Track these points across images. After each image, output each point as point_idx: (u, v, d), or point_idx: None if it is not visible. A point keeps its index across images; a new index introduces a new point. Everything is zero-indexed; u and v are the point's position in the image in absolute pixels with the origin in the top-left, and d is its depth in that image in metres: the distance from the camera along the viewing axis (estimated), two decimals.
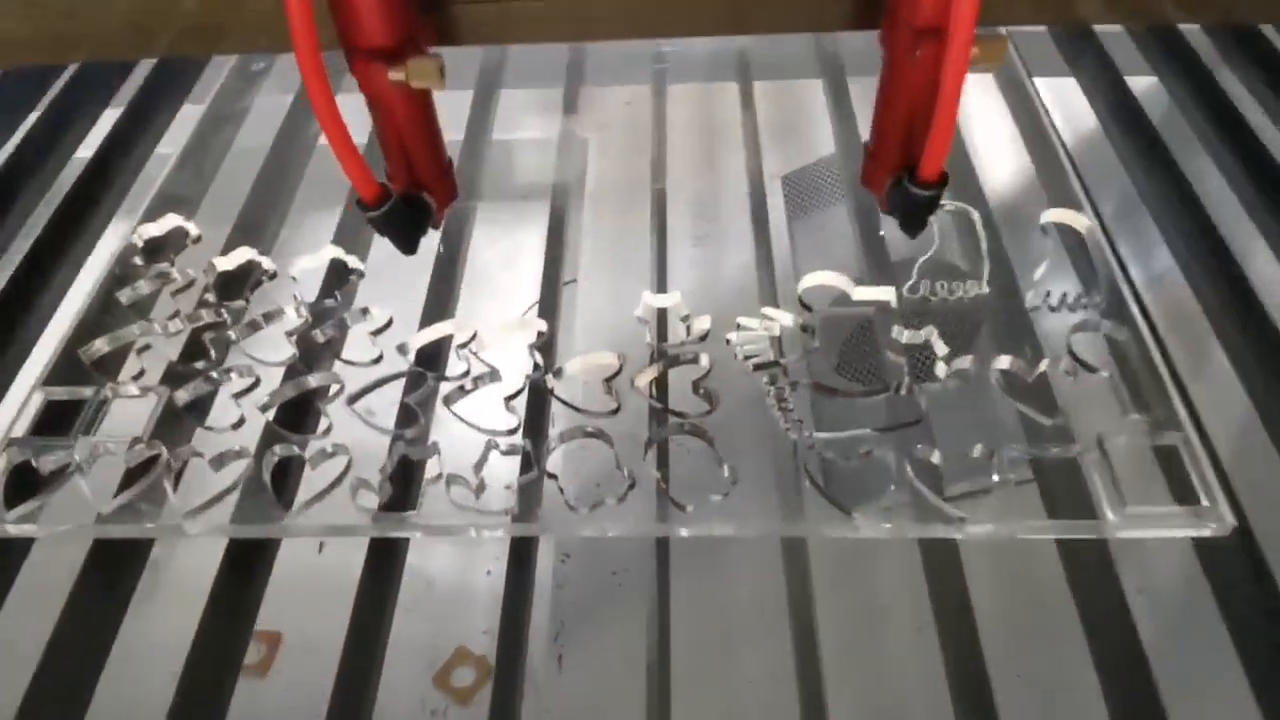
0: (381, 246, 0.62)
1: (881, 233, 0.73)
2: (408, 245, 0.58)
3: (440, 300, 0.70)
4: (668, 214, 0.76)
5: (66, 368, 0.64)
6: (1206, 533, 0.53)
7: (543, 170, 0.83)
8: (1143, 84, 0.88)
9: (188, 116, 0.88)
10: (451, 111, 0.85)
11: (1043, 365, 0.60)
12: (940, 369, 0.60)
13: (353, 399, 0.60)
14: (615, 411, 0.59)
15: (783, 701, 0.55)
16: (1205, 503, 0.53)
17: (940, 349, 0.61)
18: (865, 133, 0.61)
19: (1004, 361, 0.60)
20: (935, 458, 0.56)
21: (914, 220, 0.58)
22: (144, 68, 0.92)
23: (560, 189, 0.80)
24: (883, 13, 0.53)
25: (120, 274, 0.69)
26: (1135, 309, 0.63)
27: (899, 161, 0.57)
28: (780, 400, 0.59)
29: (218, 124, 0.85)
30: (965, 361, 0.60)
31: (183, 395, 0.61)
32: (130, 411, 0.62)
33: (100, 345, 0.65)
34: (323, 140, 0.49)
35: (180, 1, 0.56)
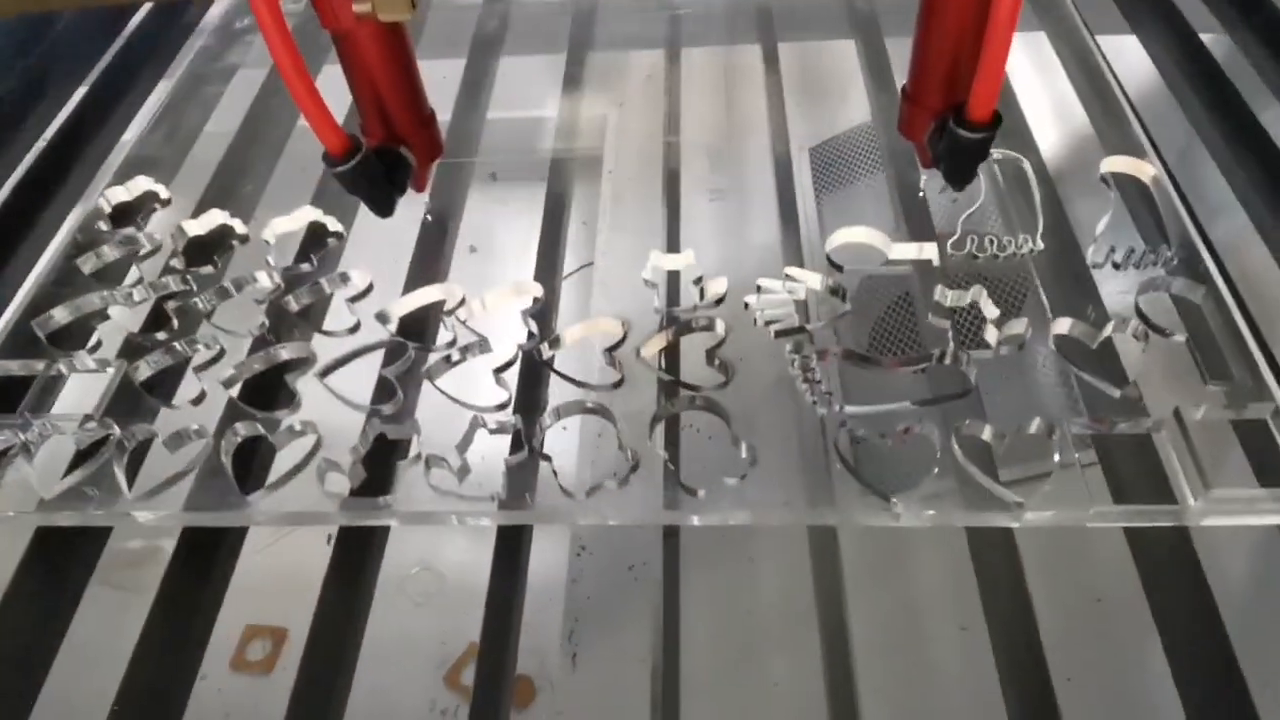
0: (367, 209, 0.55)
1: (921, 191, 0.65)
2: (382, 206, 0.51)
3: (428, 269, 0.63)
4: (681, 169, 0.69)
5: (22, 340, 0.58)
6: None
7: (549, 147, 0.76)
8: (1208, 39, 0.79)
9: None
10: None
11: (1108, 329, 0.52)
12: (991, 334, 0.53)
13: (325, 372, 0.54)
14: (618, 384, 0.53)
15: (811, 710, 0.48)
16: None
17: (990, 311, 0.53)
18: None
19: (1063, 325, 0.53)
20: (986, 434, 0.49)
21: (961, 170, 0.51)
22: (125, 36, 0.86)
23: (561, 165, 0.73)
24: None
25: (83, 240, 0.64)
26: (1212, 265, 0.55)
27: (943, 103, 0.49)
28: (806, 371, 0.52)
29: (197, 84, 0.79)
30: (1019, 326, 0.52)
31: (142, 369, 0.55)
32: (88, 387, 0.56)
33: (58, 315, 0.59)
34: None
35: None
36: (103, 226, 0.64)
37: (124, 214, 0.66)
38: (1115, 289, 0.56)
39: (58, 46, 0.84)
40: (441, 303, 0.58)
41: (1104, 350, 0.52)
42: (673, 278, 0.59)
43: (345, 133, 0.45)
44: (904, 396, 0.52)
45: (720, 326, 0.55)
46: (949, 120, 0.47)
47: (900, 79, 0.53)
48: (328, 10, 0.44)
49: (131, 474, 0.51)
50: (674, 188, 0.68)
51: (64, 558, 0.51)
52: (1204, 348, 0.52)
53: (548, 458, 0.49)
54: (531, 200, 0.74)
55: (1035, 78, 0.83)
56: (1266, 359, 0.51)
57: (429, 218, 0.65)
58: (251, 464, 0.52)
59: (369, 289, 0.59)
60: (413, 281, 0.61)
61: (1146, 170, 0.61)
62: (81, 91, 0.81)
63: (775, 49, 0.83)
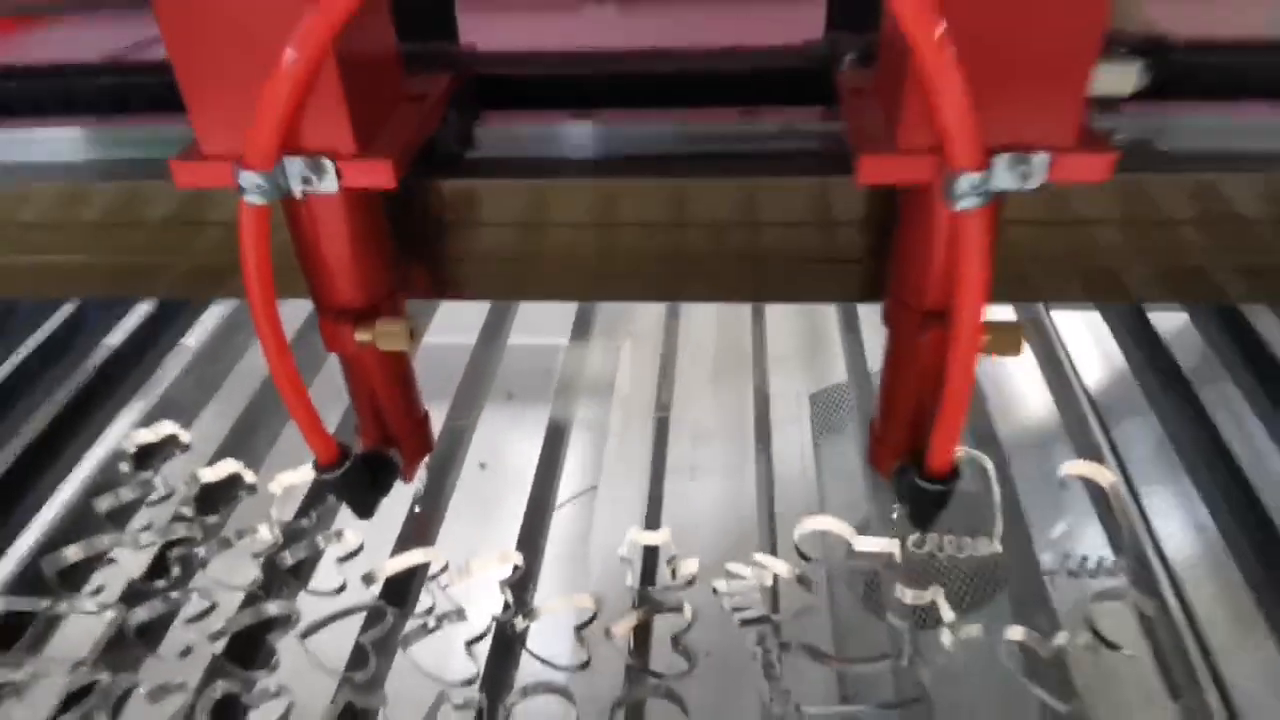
0: None
1: (894, 514, 0.66)
2: (364, 510, 0.52)
3: (421, 528, 0.67)
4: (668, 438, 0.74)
5: (33, 575, 0.61)
6: None
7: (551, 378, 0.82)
8: (1173, 321, 0.85)
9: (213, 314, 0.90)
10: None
11: (1059, 639, 0.54)
12: (946, 637, 0.55)
13: (306, 633, 0.56)
14: (584, 665, 0.55)
15: None
16: None
17: (947, 614, 0.55)
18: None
19: (1016, 632, 0.55)
20: None
21: (923, 514, 0.50)
22: None
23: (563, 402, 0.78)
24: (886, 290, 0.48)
25: (103, 481, 0.68)
26: (1164, 577, 0.57)
27: (906, 445, 0.50)
28: (768, 667, 0.54)
29: (231, 332, 0.86)
30: (974, 630, 0.54)
31: (138, 614, 0.58)
32: (85, 627, 0.59)
33: (68, 554, 0.63)
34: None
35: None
36: (124, 468, 0.69)
37: (146, 455, 0.71)
38: (1071, 594, 0.58)
39: None
40: (426, 565, 0.61)
41: (1055, 659, 0.54)
42: (649, 553, 0.62)
43: (335, 442, 0.48)
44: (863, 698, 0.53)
45: (688, 610, 0.57)
46: (910, 465, 0.48)
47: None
48: (333, 336, 0.46)
49: None
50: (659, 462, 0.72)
51: None
52: (1158, 663, 0.54)
53: None
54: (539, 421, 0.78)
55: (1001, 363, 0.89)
56: (1214, 681, 0.52)
57: (416, 509, 0.68)
58: None
59: (360, 549, 0.62)
60: (405, 537, 0.65)
61: (1105, 476, 0.65)
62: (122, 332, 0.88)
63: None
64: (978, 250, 0.33)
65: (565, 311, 0.92)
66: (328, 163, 0.39)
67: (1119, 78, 0.43)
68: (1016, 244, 0.46)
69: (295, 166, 0.39)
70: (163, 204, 0.50)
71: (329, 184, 0.39)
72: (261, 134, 0.36)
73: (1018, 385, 0.84)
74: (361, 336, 0.44)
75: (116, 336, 0.87)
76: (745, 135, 0.44)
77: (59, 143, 0.53)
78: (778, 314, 0.94)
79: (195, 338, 0.89)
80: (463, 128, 0.47)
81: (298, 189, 0.39)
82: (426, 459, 0.55)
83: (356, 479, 0.48)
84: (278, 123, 0.36)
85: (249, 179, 0.37)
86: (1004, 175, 0.34)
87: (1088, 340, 0.85)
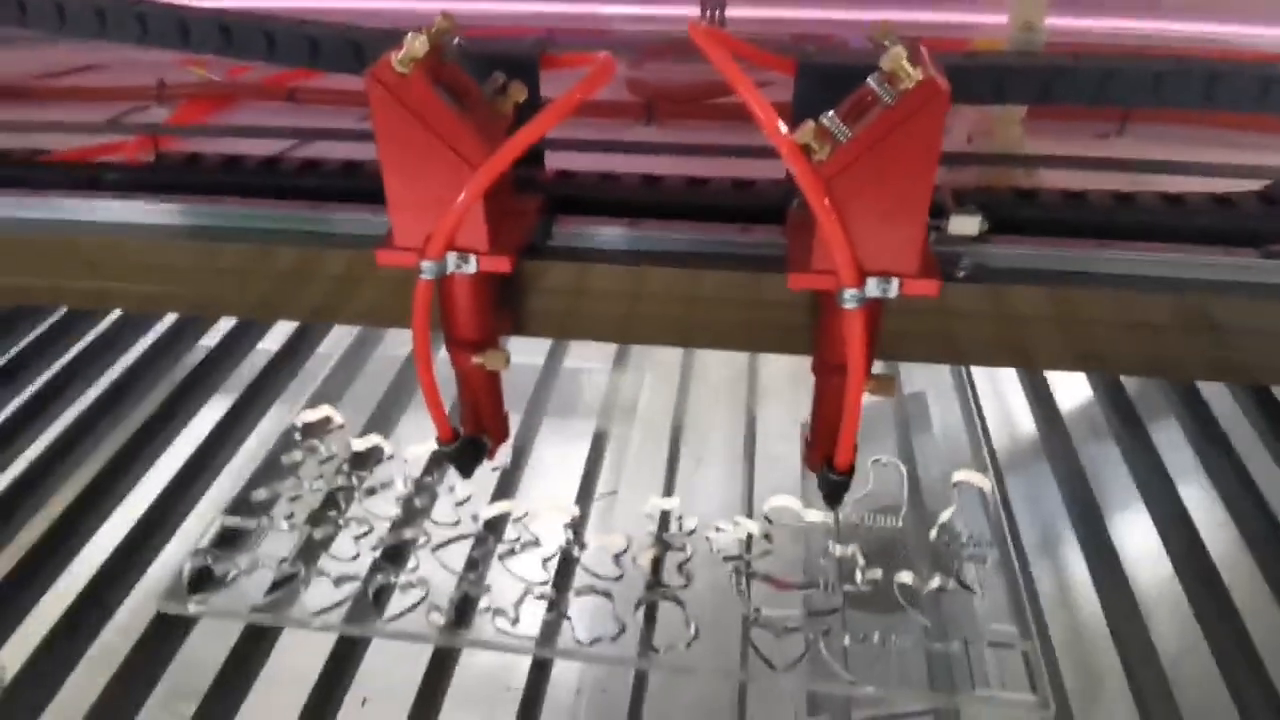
0: None
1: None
2: (467, 473, 0.77)
3: (506, 485, 0.96)
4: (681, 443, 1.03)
5: (245, 504, 0.90)
6: (1036, 717, 0.73)
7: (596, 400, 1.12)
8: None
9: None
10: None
11: (934, 582, 0.82)
12: (857, 576, 0.83)
13: (436, 548, 0.85)
14: (619, 578, 0.83)
15: None
16: (1038, 693, 0.73)
17: (860, 561, 0.83)
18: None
19: (905, 576, 0.83)
20: (845, 640, 0.78)
21: (832, 495, 0.74)
22: None
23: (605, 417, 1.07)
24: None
25: (283, 445, 0.97)
26: (1012, 550, 0.85)
27: (824, 451, 0.69)
28: (739, 584, 0.82)
29: (360, 345, 1.16)
30: (876, 573, 0.82)
31: (319, 533, 0.87)
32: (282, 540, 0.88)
33: (264, 492, 0.92)
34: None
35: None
36: (298, 437, 0.98)
37: (310, 430, 1.00)
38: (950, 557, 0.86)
39: None
40: (510, 511, 0.90)
41: (930, 595, 0.82)
42: (664, 514, 0.91)
43: (451, 426, 0.73)
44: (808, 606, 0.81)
45: (689, 549, 0.86)
46: (827, 464, 0.71)
47: None
48: (456, 356, 0.67)
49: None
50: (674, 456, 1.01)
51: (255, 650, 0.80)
52: (995, 601, 0.82)
53: (568, 618, 0.79)
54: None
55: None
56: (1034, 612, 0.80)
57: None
58: (381, 602, 0.82)
59: (468, 498, 0.91)
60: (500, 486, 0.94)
61: (985, 482, 0.93)
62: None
63: None
64: (859, 332, 0.59)
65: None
66: (472, 256, 0.62)
67: (966, 223, 0.72)
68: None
69: (452, 258, 0.62)
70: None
71: (470, 268, 0.64)
72: (438, 239, 0.62)
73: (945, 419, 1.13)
74: (475, 359, 0.69)
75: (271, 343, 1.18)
76: (738, 243, 0.73)
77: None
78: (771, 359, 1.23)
79: (329, 345, 1.19)
80: (544, 229, 0.75)
81: (451, 269, 0.63)
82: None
83: (462, 452, 0.74)
84: (448, 234, 0.61)
85: (427, 265, 0.62)
86: (874, 288, 0.62)
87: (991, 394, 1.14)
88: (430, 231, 0.61)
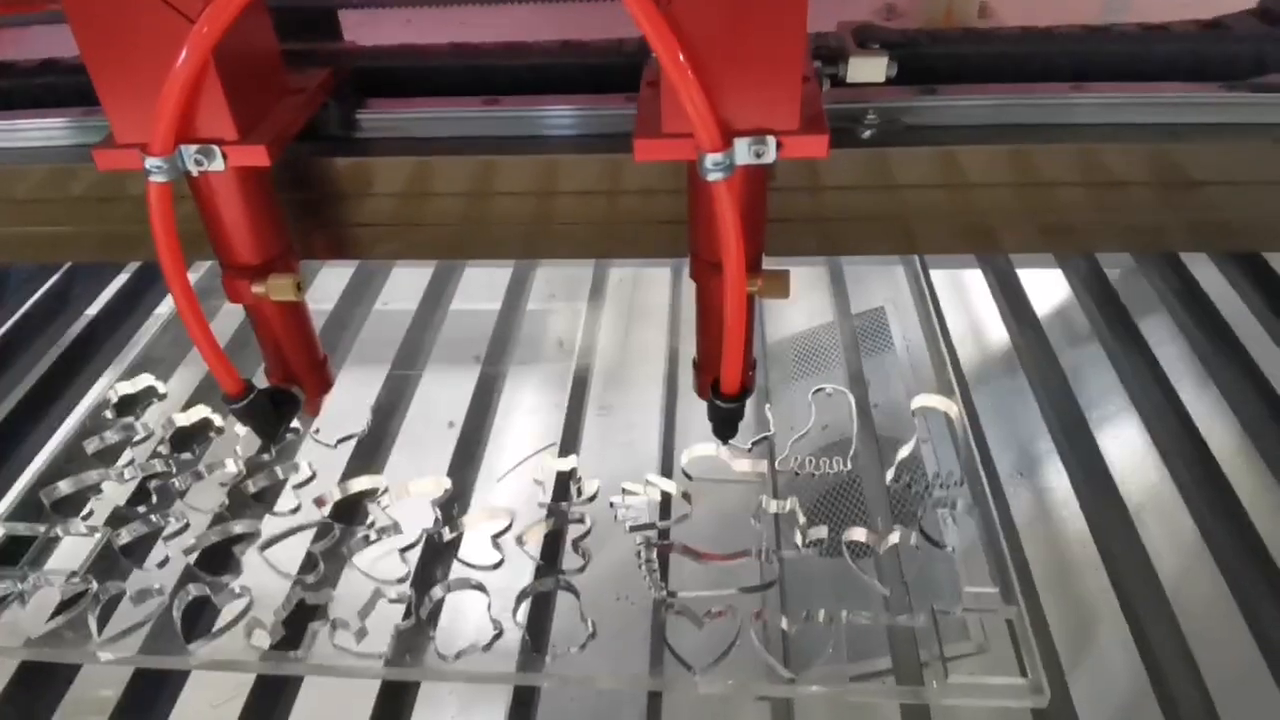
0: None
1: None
2: (269, 435, 0.62)
3: (367, 454, 0.77)
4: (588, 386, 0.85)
5: (32, 504, 0.72)
6: (1027, 704, 0.57)
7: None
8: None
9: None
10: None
11: (892, 538, 0.65)
12: (798, 537, 0.66)
13: (264, 546, 0.67)
14: (498, 565, 0.66)
15: None
16: (1029, 675, 0.57)
17: (800, 519, 0.66)
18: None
19: (857, 533, 0.66)
20: (783, 623, 0.61)
21: (722, 429, 0.61)
22: None
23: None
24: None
25: (91, 426, 0.78)
26: (988, 490, 0.68)
27: (713, 374, 0.58)
28: (648, 563, 0.65)
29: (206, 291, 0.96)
30: (821, 532, 0.65)
31: (123, 536, 0.69)
32: (78, 547, 0.70)
33: (62, 487, 0.73)
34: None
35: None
36: (108, 415, 0.79)
37: (127, 404, 0.81)
38: (910, 504, 0.69)
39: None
40: (373, 490, 0.72)
41: (889, 555, 0.65)
42: (561, 477, 0.73)
43: (240, 378, 0.57)
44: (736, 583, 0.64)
45: (588, 520, 0.68)
46: (713, 390, 0.57)
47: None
48: (233, 289, 0.56)
49: (102, 623, 0.63)
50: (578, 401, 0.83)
51: (39, 690, 0.63)
52: (970, 559, 0.65)
53: (432, 625, 0.61)
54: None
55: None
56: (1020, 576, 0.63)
57: (365, 430, 0.79)
58: (198, 620, 0.65)
59: (312, 477, 0.73)
60: (353, 465, 0.76)
61: (951, 408, 0.76)
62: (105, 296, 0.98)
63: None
64: (730, 212, 0.43)
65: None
66: (215, 149, 0.49)
67: (872, 68, 0.53)
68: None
69: (189, 152, 0.49)
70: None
71: (217, 165, 0.49)
72: (160, 126, 0.46)
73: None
74: (256, 289, 0.54)
75: (95, 307, 0.98)
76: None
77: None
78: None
79: (166, 307, 0.99)
80: (344, 115, 0.56)
81: (193, 170, 0.49)
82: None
83: (260, 409, 0.58)
84: (173, 117, 0.46)
85: (153, 163, 0.47)
86: (744, 153, 0.44)
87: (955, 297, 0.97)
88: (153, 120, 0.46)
